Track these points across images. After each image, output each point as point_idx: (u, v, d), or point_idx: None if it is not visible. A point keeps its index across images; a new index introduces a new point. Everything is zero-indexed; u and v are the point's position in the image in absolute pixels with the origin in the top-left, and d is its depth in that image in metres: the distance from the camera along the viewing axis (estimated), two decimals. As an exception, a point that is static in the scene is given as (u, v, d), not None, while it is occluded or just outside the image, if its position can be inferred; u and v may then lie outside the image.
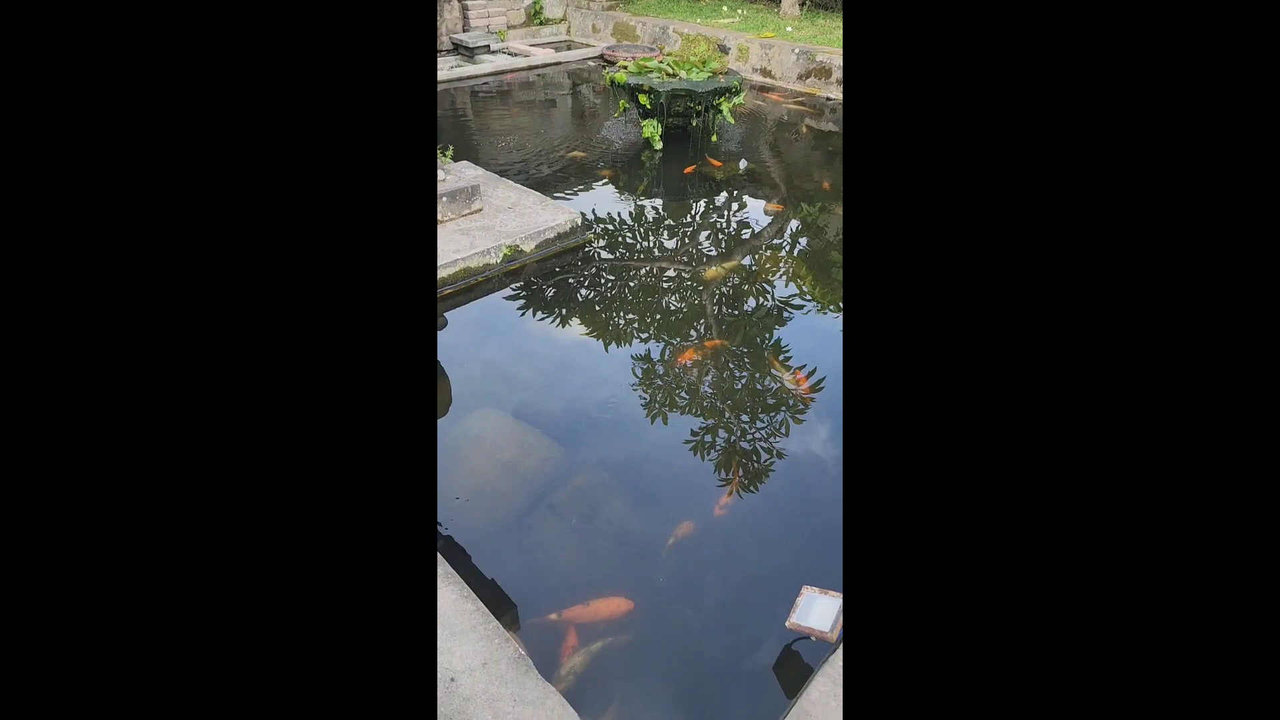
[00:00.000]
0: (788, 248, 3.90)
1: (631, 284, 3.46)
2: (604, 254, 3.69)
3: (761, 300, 3.33)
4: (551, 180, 4.66)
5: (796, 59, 6.64)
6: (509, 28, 8.38)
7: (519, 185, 3.99)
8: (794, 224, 4.14)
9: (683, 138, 5.29)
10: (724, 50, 7.12)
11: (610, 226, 4.02)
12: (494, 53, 7.75)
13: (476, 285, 3.32)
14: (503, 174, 4.20)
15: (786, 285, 3.46)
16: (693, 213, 4.34)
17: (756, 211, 4.31)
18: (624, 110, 5.50)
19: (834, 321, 3.16)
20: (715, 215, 4.32)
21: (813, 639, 1.64)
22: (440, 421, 2.50)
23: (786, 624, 1.65)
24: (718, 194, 4.56)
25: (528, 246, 3.49)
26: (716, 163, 4.95)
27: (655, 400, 2.64)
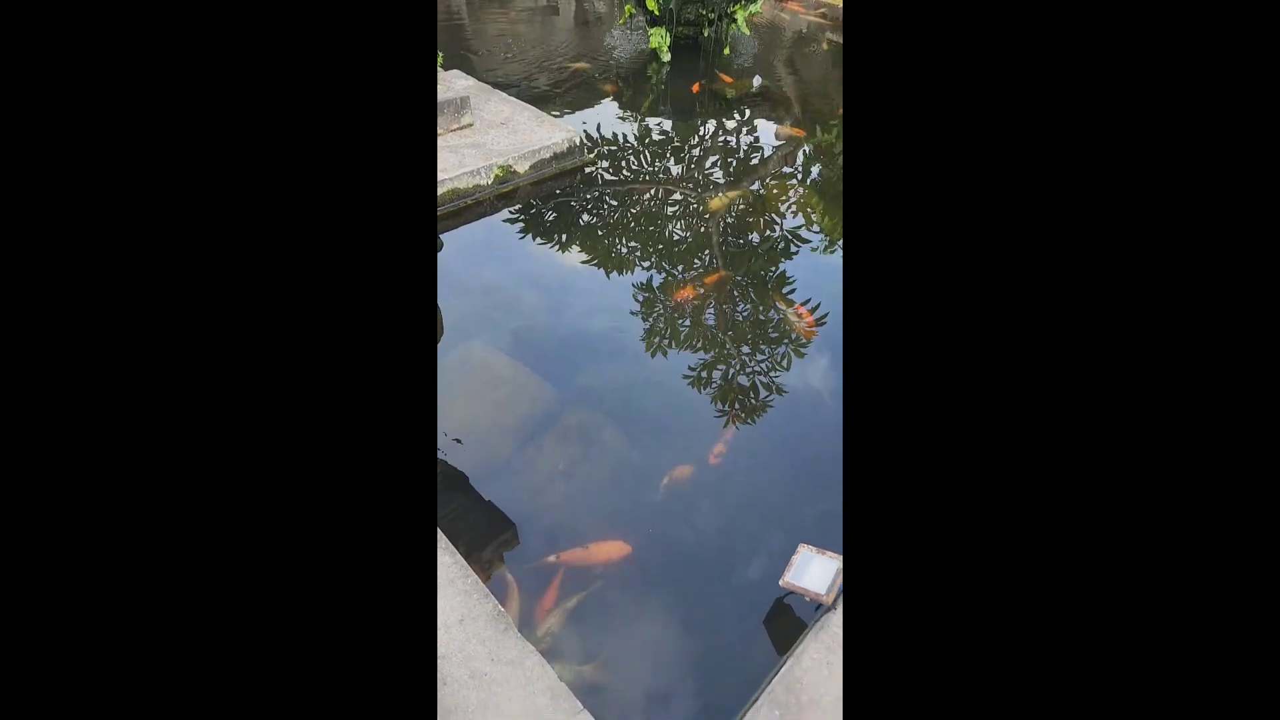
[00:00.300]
0: (799, 176, 3.66)
1: (634, 209, 3.26)
2: (607, 175, 3.46)
3: (769, 231, 3.13)
4: (550, 95, 4.35)
5: (820, -36, 6.12)
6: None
7: (514, 99, 3.70)
8: (806, 149, 3.87)
9: (692, 49, 4.91)
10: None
11: (613, 148, 3.76)
12: (492, -51, 7.15)
13: (466, 209, 3.11)
14: (497, 86, 3.89)
15: (796, 215, 3.26)
16: (700, 134, 4.06)
17: (768, 135, 4.03)
18: (630, 16, 5.07)
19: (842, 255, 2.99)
20: (725, 137, 4.04)
21: (807, 599, 1.57)
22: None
23: (780, 582, 1.58)
24: (728, 115, 4.26)
25: (521, 167, 3.25)
26: (728, 79, 4.60)
27: (655, 330, 2.52)
